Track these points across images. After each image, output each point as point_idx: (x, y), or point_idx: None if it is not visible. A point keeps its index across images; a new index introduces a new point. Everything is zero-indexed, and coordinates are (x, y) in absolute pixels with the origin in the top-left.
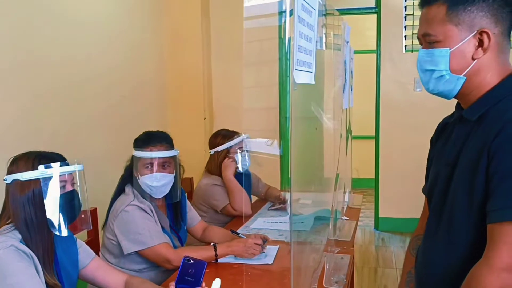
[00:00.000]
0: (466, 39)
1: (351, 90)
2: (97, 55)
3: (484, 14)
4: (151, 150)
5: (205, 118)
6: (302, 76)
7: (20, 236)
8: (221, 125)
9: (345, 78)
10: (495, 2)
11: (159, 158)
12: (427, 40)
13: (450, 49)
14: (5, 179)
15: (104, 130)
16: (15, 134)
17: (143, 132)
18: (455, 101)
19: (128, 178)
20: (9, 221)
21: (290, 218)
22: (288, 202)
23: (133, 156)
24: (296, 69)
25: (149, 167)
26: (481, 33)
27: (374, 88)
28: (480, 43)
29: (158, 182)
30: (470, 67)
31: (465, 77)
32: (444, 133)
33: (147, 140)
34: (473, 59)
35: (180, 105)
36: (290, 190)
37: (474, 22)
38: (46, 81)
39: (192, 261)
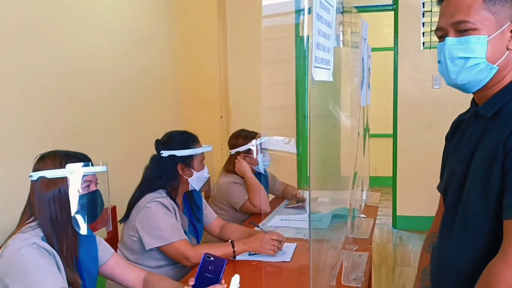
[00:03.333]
0: (502, 28)
1: (369, 87)
2: (113, 55)
3: None
4: (201, 147)
5: (221, 117)
6: (320, 73)
7: (42, 234)
8: (237, 124)
9: (362, 76)
10: None
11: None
12: (460, 28)
13: (488, 37)
14: (30, 176)
15: (120, 130)
16: (34, 134)
17: (171, 134)
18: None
19: (160, 180)
20: (31, 218)
21: (309, 216)
22: (307, 200)
23: (177, 157)
24: (314, 66)
25: (202, 161)
26: None
27: (391, 85)
28: None
29: (208, 174)
30: (503, 57)
31: (497, 67)
32: (459, 130)
33: (192, 138)
34: (508, 49)
35: (196, 104)
36: (309, 189)
37: (510, 13)
38: (62, 82)
39: (212, 258)
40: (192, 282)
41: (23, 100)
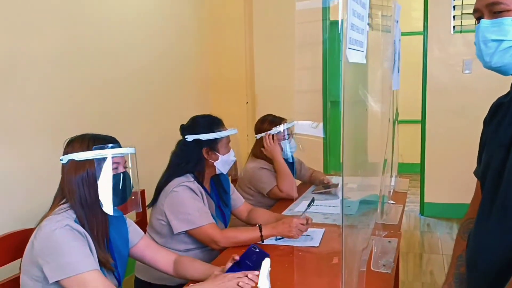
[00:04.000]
0: None
1: (398, 72)
2: (141, 42)
3: None
4: (226, 130)
5: (247, 102)
6: (354, 55)
7: (74, 216)
8: (263, 110)
9: (394, 60)
10: None
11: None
12: (494, 9)
13: None
14: (61, 160)
15: (147, 115)
16: (63, 119)
17: (195, 118)
18: (506, 83)
19: (187, 165)
20: (63, 200)
21: (341, 202)
22: (340, 186)
23: (202, 141)
24: (349, 48)
25: (228, 144)
26: None
27: (419, 70)
28: None
29: (234, 157)
30: None
31: None
32: (498, 114)
33: (217, 121)
34: None
35: (222, 90)
36: (342, 175)
37: None
38: (92, 69)
39: (257, 250)
40: (237, 256)
41: (50, 85)
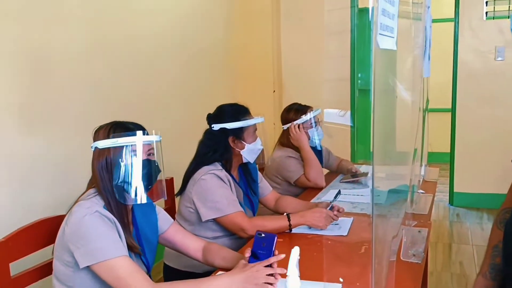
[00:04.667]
0: None
1: (429, 59)
2: (167, 29)
3: None
4: (252, 118)
5: (274, 91)
6: (385, 41)
7: (103, 202)
8: (290, 98)
9: (424, 47)
10: None
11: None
12: None
13: None
14: (91, 147)
15: (175, 103)
16: (99, 107)
17: (222, 107)
18: None
19: (214, 154)
20: (93, 185)
21: (371, 191)
22: (370, 175)
23: (228, 130)
24: (379, 34)
25: (254, 133)
26: None
27: (449, 58)
28: None
29: (261, 146)
30: None
31: None
32: None
33: (243, 110)
34: None
35: (250, 78)
36: (372, 164)
37: None
38: (118, 54)
39: (263, 235)
40: (248, 253)
41: (82, 75)
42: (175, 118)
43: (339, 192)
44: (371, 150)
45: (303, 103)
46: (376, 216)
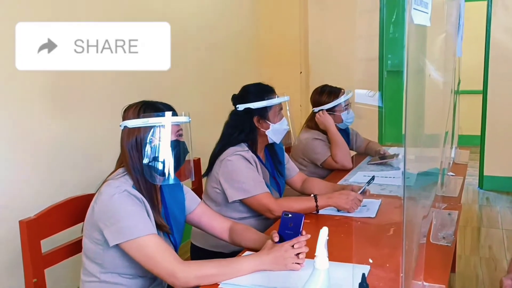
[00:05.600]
0: None
1: (461, 39)
2: (195, 12)
3: None
4: (277, 97)
5: (301, 72)
6: (419, 17)
7: (131, 182)
8: (317, 80)
9: (458, 25)
10: None
11: (280, 103)
12: None
13: None
14: (120, 125)
15: (202, 85)
16: (120, 89)
17: (246, 87)
18: None
19: (239, 135)
20: (122, 165)
21: (403, 174)
22: (401, 157)
23: (253, 110)
24: (414, 8)
25: (279, 112)
26: None
27: (481, 38)
28: None
29: (287, 126)
30: None
31: None
32: None
33: (268, 89)
34: None
35: (276, 59)
36: (404, 146)
37: None
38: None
39: (290, 215)
40: (276, 238)
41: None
42: (202, 100)
43: (373, 178)
44: (403, 133)
45: (330, 84)
46: (407, 199)
